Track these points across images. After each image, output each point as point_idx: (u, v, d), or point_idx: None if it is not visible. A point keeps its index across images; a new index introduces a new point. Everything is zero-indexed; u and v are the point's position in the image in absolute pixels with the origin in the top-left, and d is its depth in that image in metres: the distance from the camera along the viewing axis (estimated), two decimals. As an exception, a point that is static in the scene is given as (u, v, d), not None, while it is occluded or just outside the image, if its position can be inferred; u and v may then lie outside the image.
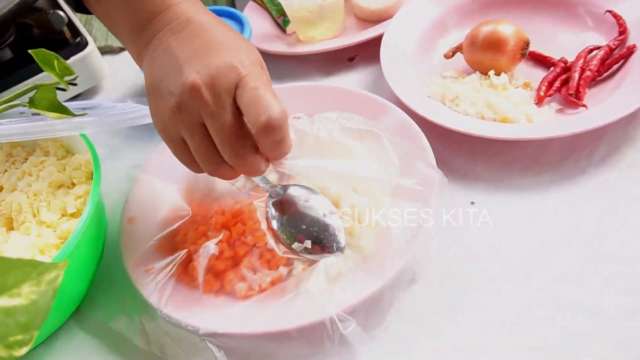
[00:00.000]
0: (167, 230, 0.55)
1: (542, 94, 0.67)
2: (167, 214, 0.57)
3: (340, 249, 0.50)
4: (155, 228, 0.56)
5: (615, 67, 0.68)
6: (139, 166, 0.66)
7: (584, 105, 0.64)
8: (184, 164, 0.48)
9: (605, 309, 0.48)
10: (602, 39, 0.72)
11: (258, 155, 0.44)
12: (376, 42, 0.77)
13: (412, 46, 0.75)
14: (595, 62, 0.67)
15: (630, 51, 0.67)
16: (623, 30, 0.70)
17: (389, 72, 0.70)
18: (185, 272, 0.52)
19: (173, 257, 0.52)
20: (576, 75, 0.66)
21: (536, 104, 0.67)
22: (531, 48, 0.70)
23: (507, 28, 0.68)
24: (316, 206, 0.53)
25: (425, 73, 0.73)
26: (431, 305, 0.51)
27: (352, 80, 0.79)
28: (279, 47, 0.83)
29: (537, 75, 0.70)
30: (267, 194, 0.55)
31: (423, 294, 0.51)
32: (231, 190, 0.58)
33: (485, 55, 0.69)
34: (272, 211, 0.54)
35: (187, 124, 0.44)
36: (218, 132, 0.43)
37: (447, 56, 0.73)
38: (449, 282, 0.52)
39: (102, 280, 0.59)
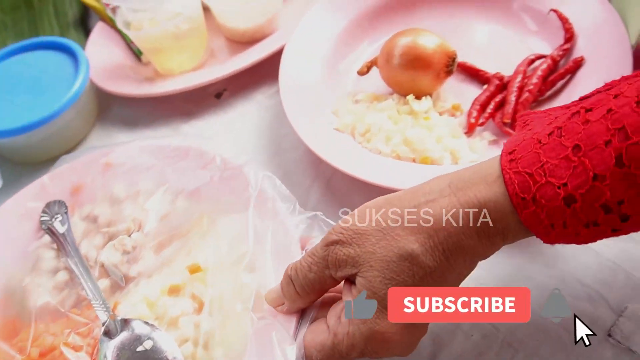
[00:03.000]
0: None
1: (472, 120, 0.54)
2: None
3: None
4: None
5: (560, 83, 0.56)
6: None
7: (522, 139, 0.52)
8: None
9: None
10: (546, 45, 0.60)
11: None
12: (249, 71, 0.63)
13: (319, 64, 0.62)
14: (535, 79, 0.55)
15: (577, 65, 0.55)
16: (569, 37, 0.57)
17: (289, 104, 0.57)
18: None
19: None
20: (512, 97, 0.54)
21: (466, 133, 0.54)
22: (464, 56, 0.59)
23: (428, 40, 0.55)
24: (159, 351, 0.40)
25: (338, 97, 0.60)
26: None
27: (220, 121, 0.63)
28: (126, 86, 0.65)
29: (471, 92, 0.58)
30: (101, 327, 0.41)
31: None
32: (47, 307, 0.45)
33: (403, 74, 0.56)
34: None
35: None
36: None
37: (360, 72, 0.60)
38: None
39: None
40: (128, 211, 0.50)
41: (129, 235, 0.48)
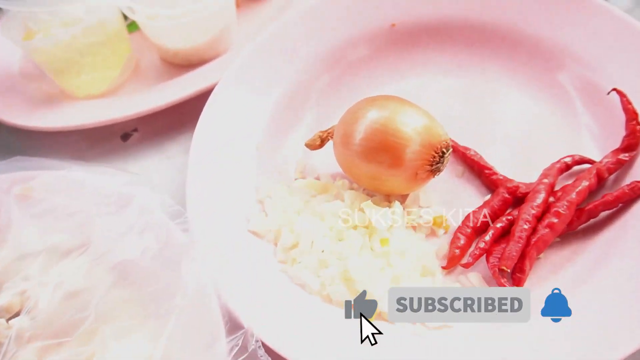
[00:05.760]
0: None
1: (456, 252, 0.36)
2: None
3: None
4: None
5: (603, 214, 0.36)
6: None
7: (521, 305, 0.33)
8: None
9: None
10: (595, 143, 0.40)
11: None
12: (169, 110, 0.46)
13: (260, 122, 0.43)
14: (564, 208, 0.35)
15: (635, 193, 0.35)
16: (633, 143, 0.37)
17: (196, 178, 0.39)
18: None
19: None
20: (523, 232, 0.35)
21: (445, 267, 0.36)
22: (471, 138, 0.41)
23: (409, 119, 0.36)
24: None
25: (270, 178, 0.41)
26: None
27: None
28: (8, 110, 0.48)
29: (471, 196, 0.39)
30: None
31: None
32: None
33: (364, 166, 0.37)
34: None
35: None
36: None
37: (310, 146, 0.41)
38: None
39: None
40: (22, 276, 0.35)
41: (7, 320, 0.33)
